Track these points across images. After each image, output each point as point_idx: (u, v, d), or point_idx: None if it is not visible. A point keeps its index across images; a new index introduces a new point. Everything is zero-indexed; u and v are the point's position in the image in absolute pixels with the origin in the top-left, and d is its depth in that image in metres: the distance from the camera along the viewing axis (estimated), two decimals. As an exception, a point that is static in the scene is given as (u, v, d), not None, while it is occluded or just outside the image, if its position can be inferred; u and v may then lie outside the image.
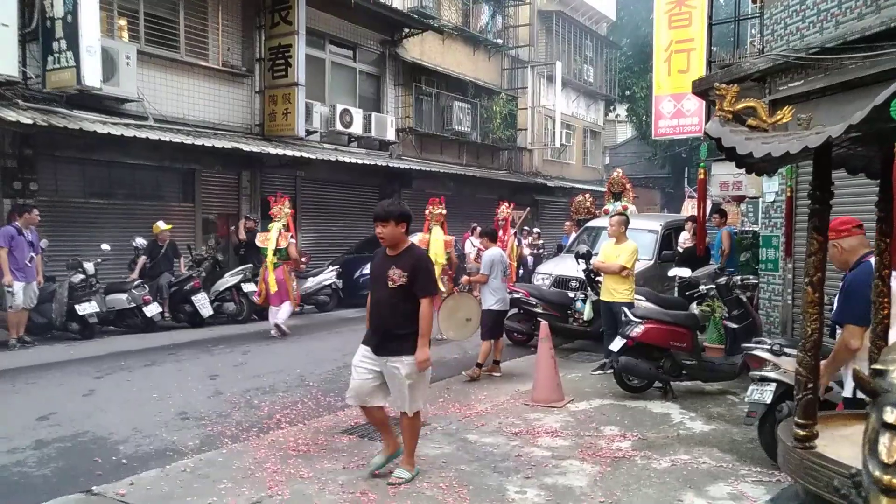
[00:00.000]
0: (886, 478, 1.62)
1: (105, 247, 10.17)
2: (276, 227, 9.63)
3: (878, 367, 1.80)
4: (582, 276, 8.70)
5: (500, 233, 10.59)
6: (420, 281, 4.20)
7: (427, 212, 9.79)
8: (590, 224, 12.14)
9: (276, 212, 9.75)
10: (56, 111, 9.87)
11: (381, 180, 16.78)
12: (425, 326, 4.17)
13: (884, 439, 1.65)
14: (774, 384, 4.63)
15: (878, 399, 1.73)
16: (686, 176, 29.45)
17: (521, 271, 14.05)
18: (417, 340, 4.16)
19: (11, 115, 8.96)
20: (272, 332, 9.71)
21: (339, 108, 14.71)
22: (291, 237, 9.79)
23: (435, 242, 9.46)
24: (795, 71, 6.62)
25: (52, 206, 10.45)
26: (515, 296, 8.91)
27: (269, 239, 9.58)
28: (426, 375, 4.32)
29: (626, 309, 6.84)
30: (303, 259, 10.42)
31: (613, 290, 7.42)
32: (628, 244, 7.50)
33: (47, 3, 9.60)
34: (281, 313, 9.70)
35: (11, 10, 9.01)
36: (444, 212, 9.82)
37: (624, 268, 7.30)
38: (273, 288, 9.56)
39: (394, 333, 4.18)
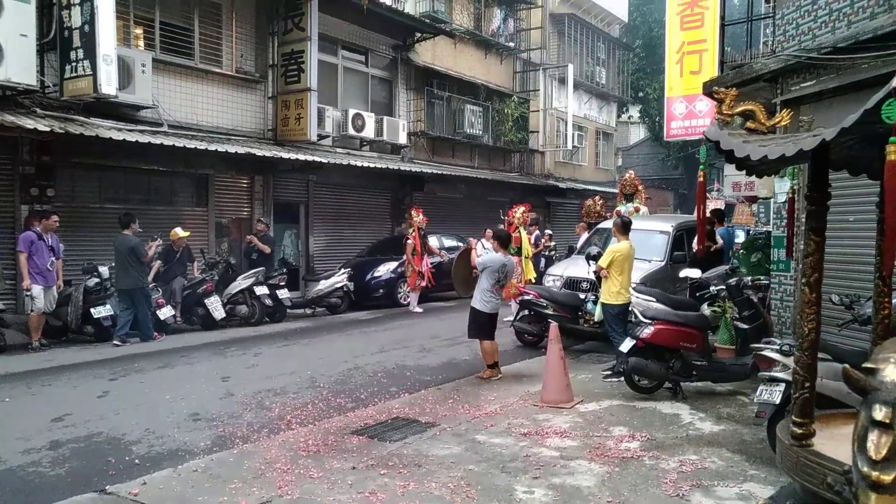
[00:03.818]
0: (875, 474, 1.63)
1: (120, 251, 10.30)
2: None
3: (869, 365, 1.81)
4: (592, 277, 8.71)
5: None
6: None
7: (509, 216, 11.71)
8: (601, 226, 12.11)
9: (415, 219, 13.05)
10: (73, 119, 10.03)
11: (392, 184, 16.88)
12: None
13: (872, 436, 1.66)
14: (783, 384, 4.62)
15: (868, 397, 1.74)
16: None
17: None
18: None
19: (30, 123, 9.13)
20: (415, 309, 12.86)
21: (352, 112, 14.81)
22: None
23: (525, 240, 11.50)
24: (808, 71, 6.59)
25: (69, 211, 10.60)
26: (526, 297, 8.93)
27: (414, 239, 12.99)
28: None
29: (636, 310, 6.85)
30: (441, 254, 13.74)
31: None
32: (610, 246, 7.81)
33: (65, 13, 9.76)
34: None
35: (30, 20, 9.17)
36: (530, 215, 12.17)
37: (601, 268, 7.52)
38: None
39: None
